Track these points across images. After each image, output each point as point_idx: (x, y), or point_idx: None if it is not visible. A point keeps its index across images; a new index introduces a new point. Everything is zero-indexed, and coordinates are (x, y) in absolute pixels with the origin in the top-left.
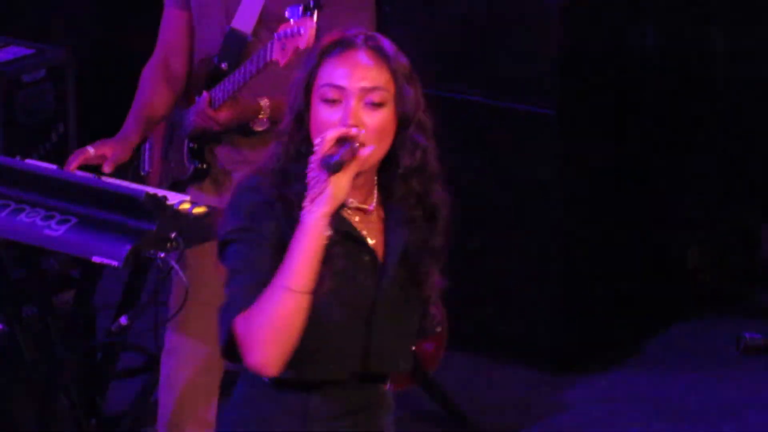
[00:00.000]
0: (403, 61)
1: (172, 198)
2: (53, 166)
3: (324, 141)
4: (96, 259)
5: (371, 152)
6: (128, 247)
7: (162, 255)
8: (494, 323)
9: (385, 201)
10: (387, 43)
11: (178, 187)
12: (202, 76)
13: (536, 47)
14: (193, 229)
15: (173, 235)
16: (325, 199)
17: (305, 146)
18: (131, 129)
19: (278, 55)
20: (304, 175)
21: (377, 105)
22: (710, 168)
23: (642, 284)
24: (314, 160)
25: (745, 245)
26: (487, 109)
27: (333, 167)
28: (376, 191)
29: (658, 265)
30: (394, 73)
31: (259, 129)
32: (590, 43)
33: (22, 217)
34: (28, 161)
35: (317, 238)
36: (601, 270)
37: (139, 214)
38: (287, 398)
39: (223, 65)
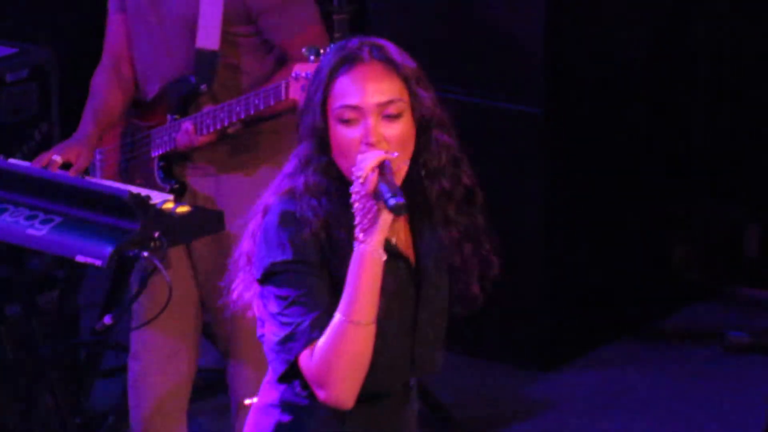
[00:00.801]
0: (411, 64)
1: (156, 197)
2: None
3: (363, 170)
4: (80, 259)
5: (402, 165)
6: (112, 247)
7: (145, 254)
8: (478, 321)
9: (408, 199)
10: (392, 49)
11: None
12: (176, 96)
13: (522, 46)
14: (176, 229)
15: (157, 234)
16: (378, 228)
17: (333, 169)
18: (91, 130)
19: (298, 95)
20: (344, 202)
21: (395, 116)
22: (696, 166)
23: (627, 282)
24: (358, 191)
25: (730, 243)
26: (473, 108)
27: (397, 209)
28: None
29: (644, 263)
30: (405, 80)
31: (231, 132)
32: (576, 42)
33: (6, 216)
34: (11, 161)
35: (376, 267)
36: (586, 268)
37: (123, 214)
38: (327, 414)
39: (203, 87)
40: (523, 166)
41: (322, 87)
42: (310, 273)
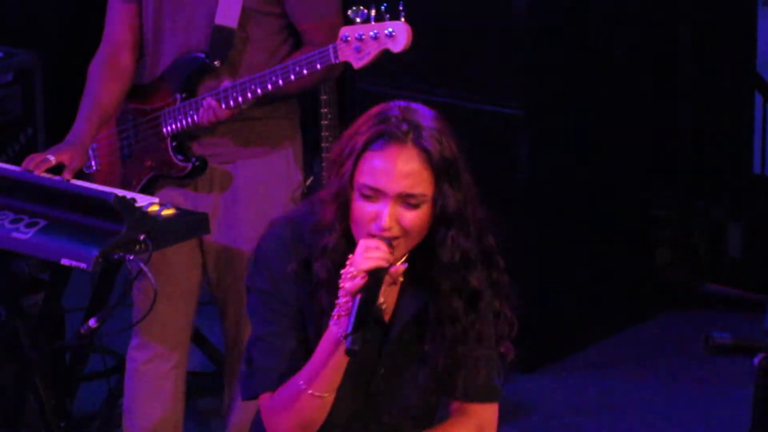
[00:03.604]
0: (449, 154)
1: (141, 200)
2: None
3: (356, 267)
4: (65, 262)
5: (402, 268)
6: (97, 250)
7: (131, 257)
8: None
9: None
10: (433, 130)
11: (157, 182)
12: (184, 74)
13: (505, 48)
14: (162, 231)
15: (142, 237)
16: (350, 319)
17: (345, 238)
18: (84, 131)
19: (351, 56)
20: (340, 267)
21: (414, 205)
22: (678, 167)
23: (611, 283)
24: (343, 284)
25: (713, 244)
26: (456, 110)
27: (350, 353)
28: (405, 257)
29: (627, 264)
30: (436, 175)
31: (245, 107)
32: (558, 44)
33: None
34: None
35: (339, 349)
36: (570, 268)
37: (108, 217)
38: None
39: (216, 62)
40: (506, 168)
41: (354, 156)
42: (283, 312)
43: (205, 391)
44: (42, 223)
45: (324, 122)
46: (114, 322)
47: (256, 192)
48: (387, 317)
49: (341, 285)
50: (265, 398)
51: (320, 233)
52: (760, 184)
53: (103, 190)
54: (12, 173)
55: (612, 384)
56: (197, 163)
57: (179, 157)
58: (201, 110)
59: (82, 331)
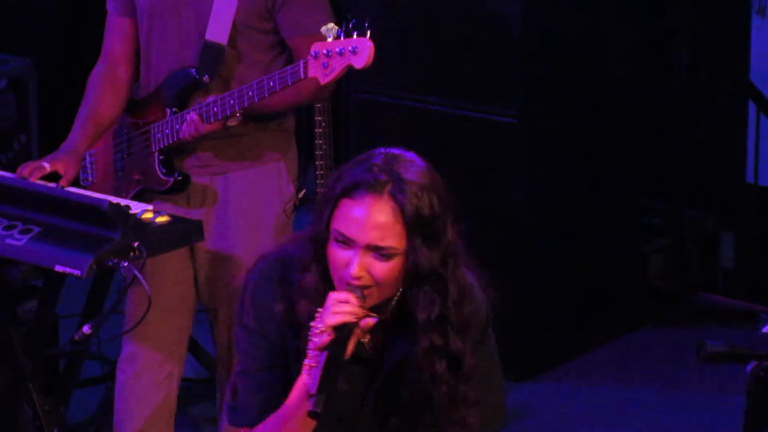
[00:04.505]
0: (427, 211)
1: (135, 207)
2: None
3: (324, 323)
4: (59, 269)
5: (371, 322)
6: (91, 257)
7: (125, 264)
8: None
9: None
10: (416, 185)
11: (144, 196)
12: (175, 90)
13: (499, 57)
14: (155, 238)
15: (136, 244)
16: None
17: (322, 280)
18: (79, 141)
19: (317, 72)
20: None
21: (385, 257)
22: (671, 176)
23: (604, 292)
24: (313, 341)
25: (706, 253)
26: (449, 117)
27: (312, 415)
28: (394, 301)
29: (619, 272)
30: (408, 230)
31: (233, 124)
32: (553, 53)
33: None
34: None
35: (300, 399)
36: (562, 276)
37: (102, 224)
38: None
39: (205, 78)
40: (499, 175)
41: (332, 202)
42: (267, 350)
43: (198, 397)
44: (36, 229)
45: (318, 130)
46: (108, 329)
47: (248, 205)
48: (374, 355)
49: (310, 338)
50: (244, 431)
51: (300, 273)
52: (753, 193)
53: (97, 197)
54: (6, 180)
55: (605, 392)
56: (179, 178)
57: (163, 170)
58: (184, 124)
59: (76, 337)
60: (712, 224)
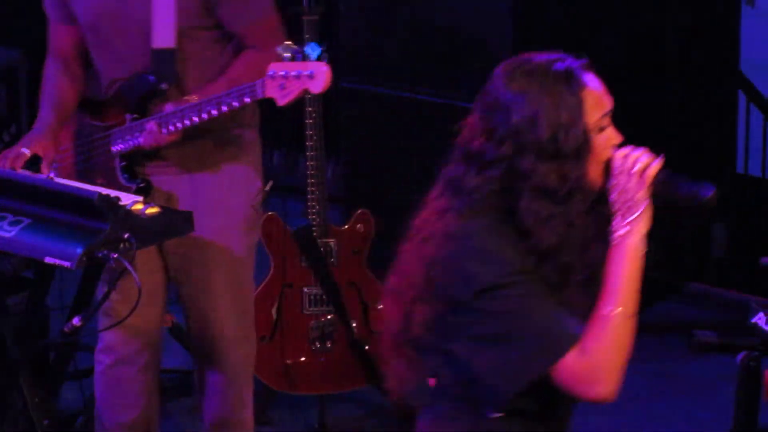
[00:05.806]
0: None
1: (125, 199)
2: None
3: (642, 162)
4: (49, 260)
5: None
6: (81, 248)
7: (115, 256)
8: None
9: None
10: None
11: None
12: (135, 95)
13: (490, 47)
14: (145, 230)
15: (126, 235)
16: (643, 220)
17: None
18: (52, 119)
19: (275, 93)
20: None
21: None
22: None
23: None
24: (627, 183)
25: (698, 243)
26: (442, 109)
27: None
28: None
29: None
30: None
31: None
32: (543, 41)
33: None
34: None
35: (640, 258)
36: None
37: (92, 215)
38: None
39: (163, 85)
40: None
41: (575, 106)
42: (534, 281)
43: (187, 388)
44: (26, 221)
45: (308, 121)
46: (97, 320)
47: (217, 202)
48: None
49: (618, 185)
50: (573, 357)
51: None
52: (744, 183)
53: (86, 189)
54: None
55: None
56: (141, 185)
57: (125, 176)
58: (144, 133)
59: (66, 329)
60: (704, 215)
